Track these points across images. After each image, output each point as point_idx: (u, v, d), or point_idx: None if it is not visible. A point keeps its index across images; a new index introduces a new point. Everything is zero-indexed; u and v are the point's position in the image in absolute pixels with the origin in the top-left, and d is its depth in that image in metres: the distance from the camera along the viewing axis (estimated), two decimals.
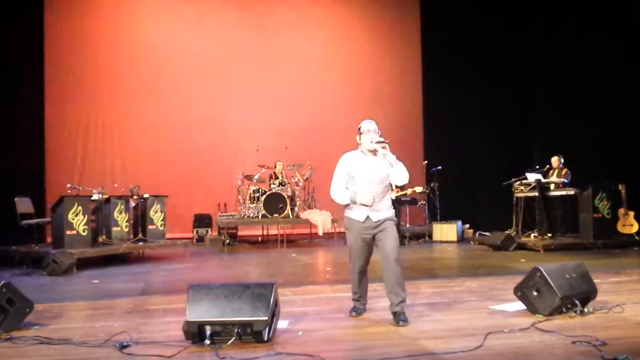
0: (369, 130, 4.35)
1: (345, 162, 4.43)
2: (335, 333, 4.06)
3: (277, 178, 11.29)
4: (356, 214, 4.36)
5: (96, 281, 6.86)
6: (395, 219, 4.52)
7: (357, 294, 4.57)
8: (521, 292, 4.56)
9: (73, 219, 7.99)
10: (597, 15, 10.97)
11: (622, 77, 11.00)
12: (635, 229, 9.87)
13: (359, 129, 4.42)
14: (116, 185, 9.76)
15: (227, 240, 10.85)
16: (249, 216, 10.99)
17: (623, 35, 10.84)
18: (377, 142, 4.31)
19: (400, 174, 4.33)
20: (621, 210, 9.98)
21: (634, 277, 6.51)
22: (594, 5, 11.01)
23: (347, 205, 4.42)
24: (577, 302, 4.41)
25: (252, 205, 11.00)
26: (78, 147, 12.07)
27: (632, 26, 10.72)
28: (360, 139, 4.42)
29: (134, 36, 12.50)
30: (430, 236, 11.52)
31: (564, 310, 4.37)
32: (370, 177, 4.33)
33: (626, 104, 11.13)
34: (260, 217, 10.82)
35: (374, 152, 4.38)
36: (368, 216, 4.33)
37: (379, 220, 4.33)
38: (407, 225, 11.92)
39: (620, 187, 9.94)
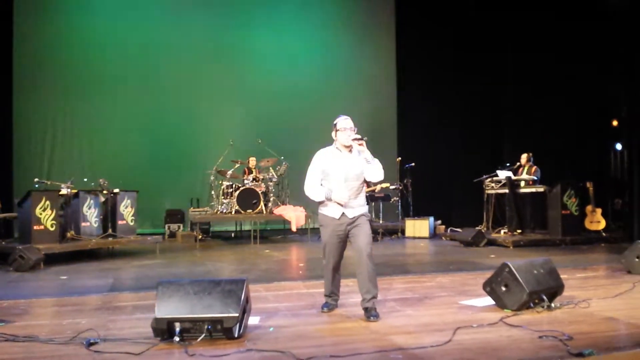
0: (345, 127, 4.35)
1: (320, 158, 4.42)
2: (306, 329, 4.06)
3: (250, 173, 11.23)
4: (331, 211, 4.36)
5: (64, 277, 6.73)
6: (369, 215, 4.53)
7: (329, 289, 4.57)
8: (490, 287, 4.62)
9: (41, 214, 7.83)
10: (568, 15, 11.15)
11: (592, 76, 11.20)
12: (602, 225, 10.10)
13: (335, 125, 4.41)
14: (85, 180, 9.57)
15: (200, 236, 10.76)
16: (222, 212, 10.91)
17: (595, 34, 11.04)
18: (355, 139, 4.31)
19: (376, 171, 4.35)
20: (589, 208, 10.20)
21: (600, 273, 6.66)
22: (565, 8, 11.18)
23: (321, 202, 4.42)
24: (545, 297, 4.49)
25: (225, 201, 10.92)
26: (46, 141, 11.84)
27: (604, 24, 10.92)
28: (336, 135, 4.41)
29: (103, 31, 12.28)
30: (403, 232, 11.61)
31: (532, 305, 4.44)
32: (346, 174, 4.33)
33: (595, 103, 11.36)
34: (233, 212, 10.75)
35: (349, 148, 4.38)
36: (344, 213, 4.33)
37: (354, 217, 4.34)
38: (380, 222, 11.98)
39: (588, 184, 10.16)
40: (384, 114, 13.73)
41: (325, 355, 3.35)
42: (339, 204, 4.31)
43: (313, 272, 6.78)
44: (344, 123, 4.37)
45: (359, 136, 4.34)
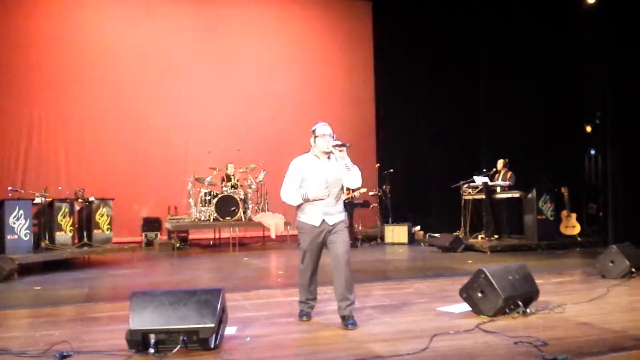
0: (325, 133, 4.34)
1: (298, 165, 4.40)
2: (284, 338, 4.04)
3: (229, 180, 11.18)
4: (311, 218, 4.35)
5: (38, 288, 6.60)
6: (347, 221, 4.54)
7: (305, 296, 4.55)
8: (466, 293, 4.66)
9: (14, 223, 7.69)
10: (542, 21, 11.33)
11: (567, 82, 11.39)
12: (577, 230, 10.25)
13: (314, 131, 4.40)
14: (60, 188, 9.45)
15: (178, 244, 10.67)
16: (200, 219, 10.83)
17: (571, 40, 11.23)
18: (336, 146, 4.31)
19: (355, 178, 4.35)
20: (564, 212, 10.34)
21: (575, 278, 6.75)
22: (540, 14, 11.36)
23: (300, 209, 4.41)
24: (520, 303, 4.54)
25: (203, 208, 10.84)
26: (20, 149, 11.62)
27: (579, 31, 11.12)
28: (314, 142, 4.40)
29: (80, 34, 12.13)
30: (382, 238, 11.64)
31: (507, 311, 4.49)
32: (325, 180, 4.33)
33: (570, 109, 11.53)
34: (211, 220, 10.68)
35: (328, 155, 4.39)
36: (324, 220, 4.33)
37: (334, 224, 4.34)
38: (359, 228, 12.00)
39: (563, 189, 10.30)
40: (363, 121, 13.79)
41: None
42: (318, 200, 4.29)
43: (292, 280, 6.74)
44: (323, 129, 4.36)
45: (339, 142, 4.33)
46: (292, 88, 13.47)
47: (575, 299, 5.12)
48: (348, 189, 4.57)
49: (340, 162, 4.33)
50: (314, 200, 4.30)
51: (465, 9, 12.46)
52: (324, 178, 4.33)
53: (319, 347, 3.79)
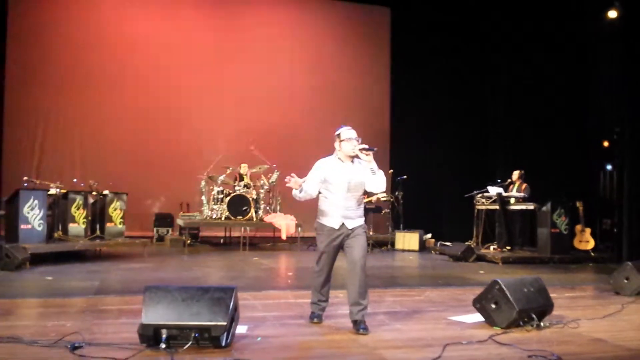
0: (351, 137, 4.34)
1: (321, 167, 4.40)
2: (294, 340, 4.02)
3: (242, 180, 11.18)
4: (331, 220, 4.34)
5: (50, 278, 6.63)
6: (366, 226, 4.52)
7: (318, 297, 4.53)
8: (480, 304, 4.61)
9: (28, 213, 7.74)
10: (560, 35, 11.26)
11: (585, 97, 11.31)
12: (591, 245, 10.13)
13: (339, 135, 4.39)
14: (75, 180, 9.50)
15: (188, 241, 10.69)
16: (211, 217, 10.84)
17: (590, 55, 11.16)
18: (362, 150, 4.30)
19: (379, 182, 4.34)
20: (578, 227, 10.23)
21: (589, 293, 6.67)
22: (558, 26, 11.29)
23: (320, 211, 4.41)
24: (534, 316, 4.48)
25: (215, 207, 10.86)
26: (37, 141, 11.74)
27: (597, 44, 11.05)
28: (339, 146, 4.39)
29: (99, 31, 12.22)
30: (393, 244, 11.58)
31: (521, 323, 4.43)
32: (348, 183, 4.32)
33: (587, 124, 11.45)
34: (223, 218, 10.69)
35: (352, 158, 4.37)
36: (343, 223, 4.32)
37: (353, 228, 4.33)
38: (371, 233, 11.95)
39: (578, 204, 10.19)
40: (378, 126, 13.72)
41: None
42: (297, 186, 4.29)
43: (302, 282, 6.73)
44: (349, 133, 4.36)
45: (366, 146, 4.32)
46: (308, 91, 13.46)
47: (589, 315, 5.05)
48: (369, 193, 4.54)
49: (365, 166, 4.31)
50: (303, 191, 4.30)
51: (486, 20, 12.42)
52: (346, 181, 4.32)
53: (330, 351, 3.76)
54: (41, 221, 7.86)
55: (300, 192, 4.35)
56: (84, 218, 8.65)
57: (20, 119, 11.57)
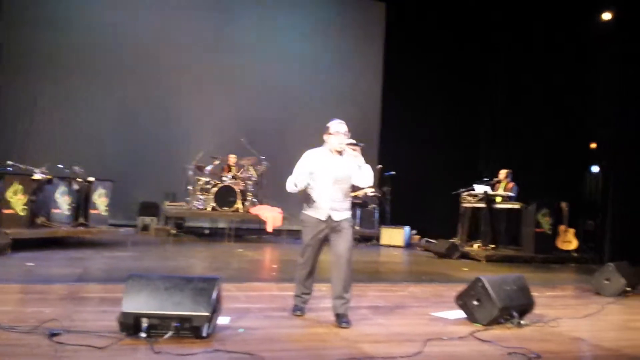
0: (339, 131, 4.33)
1: (309, 158, 4.38)
2: (277, 332, 4.01)
3: (229, 171, 11.13)
4: (317, 212, 4.33)
5: (31, 264, 6.56)
6: (352, 220, 4.52)
7: (301, 290, 4.52)
8: (462, 300, 4.63)
9: (12, 198, 7.63)
10: (550, 37, 11.32)
11: (571, 99, 11.38)
12: (573, 245, 10.23)
13: (328, 128, 4.38)
14: (60, 166, 9.36)
15: (173, 231, 10.62)
16: (197, 208, 10.79)
17: (574, 57, 11.22)
18: (350, 144, 4.29)
19: (366, 177, 4.33)
20: (562, 227, 10.32)
21: (569, 293, 6.73)
22: (550, 28, 11.35)
23: (306, 203, 4.39)
24: (515, 314, 4.52)
25: (202, 197, 10.79)
26: (22, 125, 11.54)
27: (582, 49, 11.12)
28: (328, 139, 4.38)
29: (88, 16, 12.03)
30: (379, 239, 11.61)
31: (502, 321, 4.46)
32: (335, 176, 4.31)
33: (573, 126, 11.52)
34: (209, 209, 10.64)
35: (340, 152, 4.36)
36: (330, 215, 4.30)
37: (339, 220, 4.32)
38: (357, 228, 11.96)
39: (562, 204, 10.28)
40: (368, 121, 13.71)
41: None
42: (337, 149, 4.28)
43: (286, 274, 6.71)
44: (338, 127, 4.35)
45: (353, 141, 4.31)
46: (299, 83, 13.40)
47: (570, 314, 5.09)
48: (356, 186, 4.53)
49: (352, 161, 4.31)
50: (298, 182, 4.27)
51: (480, 18, 12.46)
52: (332, 174, 4.31)
53: (312, 344, 3.76)
54: (24, 206, 7.76)
55: (296, 185, 4.32)
56: (68, 204, 8.55)
57: (5, 105, 11.39)
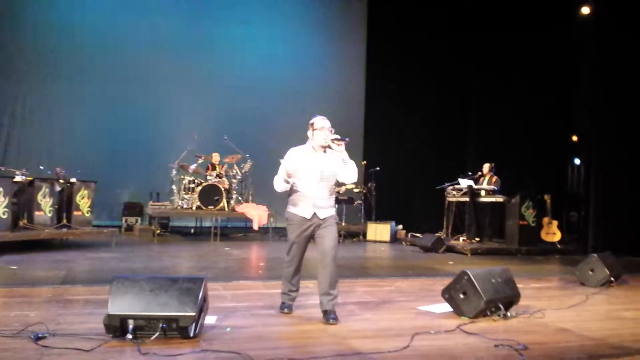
0: (324, 127, 4.31)
1: (293, 156, 4.35)
2: (265, 330, 4.00)
3: (214, 169, 11.07)
4: (302, 210, 4.32)
5: (14, 267, 6.48)
6: (337, 217, 4.51)
7: (288, 287, 4.51)
8: (448, 294, 4.66)
9: None
10: (535, 28, 11.41)
11: (554, 91, 11.49)
12: (557, 237, 10.35)
13: (312, 124, 4.36)
14: (41, 167, 9.26)
15: (158, 231, 10.55)
16: (182, 207, 10.72)
17: (557, 49, 11.33)
18: (334, 140, 4.27)
19: (350, 173, 4.33)
20: (546, 219, 10.43)
21: (554, 284, 6.80)
22: (528, 20, 11.45)
23: (291, 201, 4.38)
24: (501, 306, 4.55)
25: (186, 196, 10.73)
26: (2, 127, 11.41)
27: (565, 40, 11.22)
28: (312, 135, 4.36)
29: (70, 16, 11.92)
30: (365, 235, 11.64)
31: (489, 313, 4.49)
32: (321, 173, 4.29)
33: (556, 118, 11.64)
34: (194, 208, 10.57)
35: (325, 148, 4.34)
36: (315, 213, 4.30)
37: (324, 218, 4.31)
38: (343, 224, 11.98)
39: (546, 197, 10.39)
40: (352, 118, 13.70)
41: (282, 357, 3.30)
42: (288, 174, 4.24)
43: (273, 272, 6.71)
44: (322, 123, 4.33)
45: (338, 136, 4.29)
46: (282, 80, 13.34)
47: (555, 305, 5.15)
48: (341, 183, 4.52)
49: (336, 156, 4.30)
50: (288, 173, 4.24)
51: (462, 13, 12.52)
52: (318, 171, 4.29)
53: (300, 341, 3.76)
54: (6, 209, 7.64)
55: (287, 181, 4.29)
56: (50, 206, 8.44)
57: None
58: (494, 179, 10.38)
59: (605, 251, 6.79)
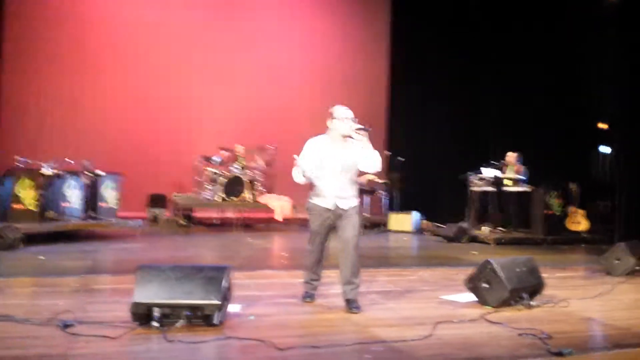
0: (347, 117, 4.29)
1: (313, 146, 4.34)
2: (287, 319, 4.03)
3: (237, 161, 11.14)
4: (324, 200, 4.32)
5: (42, 257, 6.62)
6: (359, 206, 4.50)
7: (310, 277, 4.54)
8: (472, 283, 4.63)
9: (21, 193, 7.70)
10: (558, 15, 11.19)
11: (581, 79, 11.26)
12: (583, 226, 10.18)
13: (332, 113, 4.34)
14: (68, 160, 9.41)
15: (182, 222, 10.67)
16: (206, 198, 10.82)
17: (584, 37, 11.10)
18: (358, 130, 4.25)
19: (373, 161, 4.30)
20: (572, 208, 10.26)
21: (579, 274, 6.72)
22: (556, 6, 11.23)
23: (313, 191, 4.38)
24: (525, 295, 4.51)
25: (210, 188, 10.82)
26: (30, 120, 11.60)
27: (592, 29, 10.98)
28: (333, 125, 4.34)
29: (96, 9, 12.04)
30: (387, 225, 11.60)
31: (512, 303, 4.46)
32: (342, 164, 4.28)
33: (583, 105, 11.42)
34: (218, 199, 10.66)
35: (345, 138, 4.33)
36: (337, 204, 4.29)
37: (346, 208, 4.31)
38: (365, 215, 11.95)
39: (572, 186, 10.22)
40: (375, 107, 13.62)
41: (305, 345, 3.33)
42: (305, 176, 4.25)
43: (295, 262, 6.72)
44: (345, 112, 4.31)
45: (361, 126, 4.27)
46: (304, 69, 13.32)
47: (580, 295, 5.08)
48: (361, 172, 4.51)
49: (358, 146, 4.28)
50: (306, 175, 4.24)
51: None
52: (340, 161, 4.28)
53: (323, 329, 3.78)
54: (34, 201, 7.82)
55: (304, 175, 4.30)
56: (77, 198, 8.60)
57: (15, 99, 11.44)
58: (521, 168, 10.24)
59: (633, 240, 6.66)
